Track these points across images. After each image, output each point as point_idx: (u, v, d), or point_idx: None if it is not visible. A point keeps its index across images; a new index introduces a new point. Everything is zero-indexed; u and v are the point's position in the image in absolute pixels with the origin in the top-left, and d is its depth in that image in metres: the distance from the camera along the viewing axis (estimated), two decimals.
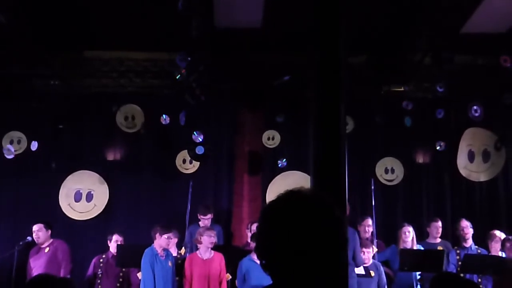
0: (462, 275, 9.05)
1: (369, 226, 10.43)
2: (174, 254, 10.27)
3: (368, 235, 10.45)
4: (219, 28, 10.26)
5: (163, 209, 11.86)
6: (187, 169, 12.04)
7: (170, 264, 9.61)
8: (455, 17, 9.80)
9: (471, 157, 12.02)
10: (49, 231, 10.55)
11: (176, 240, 10.66)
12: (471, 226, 10.32)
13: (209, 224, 10.79)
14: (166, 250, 9.71)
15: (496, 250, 9.95)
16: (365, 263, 9.54)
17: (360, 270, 9.43)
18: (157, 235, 9.61)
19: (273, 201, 2.41)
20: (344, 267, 6.24)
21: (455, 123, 12.13)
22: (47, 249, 10.45)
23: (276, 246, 2.31)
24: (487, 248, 10.14)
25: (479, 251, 10.12)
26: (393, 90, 11.72)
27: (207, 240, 9.63)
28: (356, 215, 10.89)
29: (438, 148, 11.58)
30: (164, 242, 9.62)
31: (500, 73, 10.40)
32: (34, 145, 11.38)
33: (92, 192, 11.98)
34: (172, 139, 12.02)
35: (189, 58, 9.73)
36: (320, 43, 7.25)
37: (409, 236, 10.15)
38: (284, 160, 11.83)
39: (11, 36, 9.87)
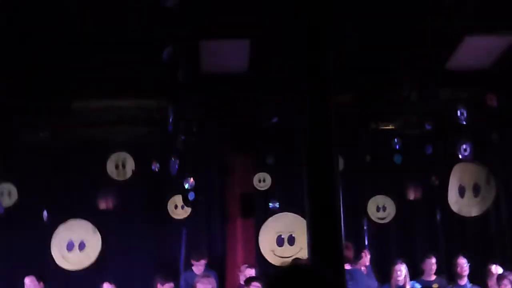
0: None
1: (364, 265, 10.42)
2: None
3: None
4: (206, 74, 10.30)
5: (156, 256, 11.83)
6: (179, 214, 12.00)
7: None
8: (439, 53, 9.91)
9: (461, 192, 12.04)
10: (41, 283, 10.46)
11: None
12: (464, 262, 10.31)
13: (202, 270, 10.75)
14: None
15: (493, 286, 9.93)
16: None
17: None
18: (158, 285, 9.56)
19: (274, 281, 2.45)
20: None
21: (444, 158, 12.17)
22: None
23: None
24: (483, 285, 10.12)
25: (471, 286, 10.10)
26: (381, 128, 11.78)
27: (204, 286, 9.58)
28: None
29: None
30: None
31: (487, 110, 10.50)
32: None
33: (84, 242, 11.90)
34: (163, 185, 12.01)
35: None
36: (308, 84, 7.32)
37: (401, 275, 10.14)
38: (276, 202, 11.84)
39: None
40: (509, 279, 9.70)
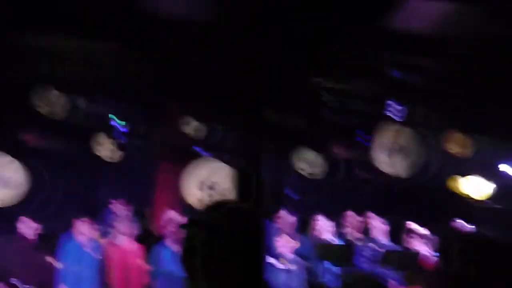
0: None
1: (289, 219, 10.47)
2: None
3: (287, 227, 10.49)
4: (141, 15, 10.13)
5: (81, 195, 11.76)
6: (106, 155, 11.91)
7: (92, 252, 9.51)
8: (377, 13, 9.92)
9: (388, 151, 12.17)
10: None
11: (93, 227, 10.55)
12: (382, 220, 10.52)
13: (126, 211, 10.76)
14: (89, 238, 9.63)
15: (410, 243, 10.14)
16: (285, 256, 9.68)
17: (280, 264, 9.54)
18: (77, 222, 9.51)
19: (194, 215, 2.49)
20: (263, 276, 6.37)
21: (374, 117, 12.28)
22: None
23: (196, 261, 2.38)
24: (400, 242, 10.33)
25: (389, 245, 10.31)
26: (314, 83, 11.79)
27: (125, 228, 9.58)
28: (276, 207, 10.91)
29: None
30: (84, 230, 9.54)
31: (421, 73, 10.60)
32: None
33: (9, 178, 11.74)
34: (92, 124, 11.90)
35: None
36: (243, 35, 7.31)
37: (320, 228, 10.29)
38: (204, 149, 11.85)
39: None
40: (418, 234, 9.94)
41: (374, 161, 12.08)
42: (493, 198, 12.36)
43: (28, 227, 10.38)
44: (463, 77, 10.61)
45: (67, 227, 9.84)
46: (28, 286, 10.15)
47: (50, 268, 10.24)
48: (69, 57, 11.43)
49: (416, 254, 9.82)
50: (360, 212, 11.41)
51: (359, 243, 10.17)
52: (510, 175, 12.44)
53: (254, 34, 7.28)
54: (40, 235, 10.14)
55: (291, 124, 11.99)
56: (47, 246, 9.96)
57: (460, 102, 11.28)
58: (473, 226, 10.13)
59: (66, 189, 11.95)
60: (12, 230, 11.15)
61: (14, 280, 10.15)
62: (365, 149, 12.15)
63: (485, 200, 12.36)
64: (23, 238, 10.38)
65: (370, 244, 10.28)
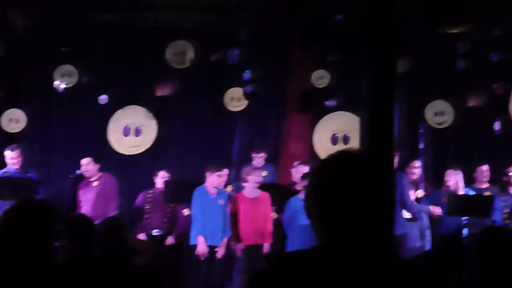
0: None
1: (416, 168, 10.31)
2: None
3: (415, 177, 10.33)
4: None
5: (211, 146, 11.91)
6: (235, 107, 11.98)
7: (221, 202, 9.66)
8: None
9: None
10: (98, 165, 10.55)
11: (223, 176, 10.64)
12: None
13: (262, 163, 10.85)
14: (218, 188, 9.77)
15: None
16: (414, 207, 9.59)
17: (407, 214, 9.45)
18: (209, 173, 9.67)
19: (323, 161, 2.43)
20: (391, 227, 6.31)
21: (510, 67, 11.83)
22: (95, 183, 10.48)
23: (324, 207, 2.35)
24: None
25: None
26: (448, 32, 11.48)
27: (254, 179, 9.62)
28: (405, 157, 10.70)
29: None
30: (215, 181, 9.68)
31: None
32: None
33: (140, 128, 12.00)
34: (221, 76, 11.99)
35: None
36: None
37: (453, 181, 10.08)
38: (334, 100, 11.73)
39: None
40: None
41: (509, 110, 11.68)
42: None
43: (157, 175, 10.66)
44: None
45: (198, 177, 10.02)
46: (160, 231, 10.44)
47: (181, 216, 10.49)
48: (200, 7, 11.53)
49: None
50: (494, 164, 11.10)
51: (492, 195, 9.91)
52: None
53: None
54: (169, 184, 10.36)
55: (423, 73, 11.71)
56: (177, 194, 10.16)
57: None
58: None
59: (195, 139, 12.12)
60: (143, 176, 11.48)
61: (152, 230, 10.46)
62: (500, 99, 11.74)
63: None
64: (155, 186, 10.67)
65: (505, 197, 10.02)
